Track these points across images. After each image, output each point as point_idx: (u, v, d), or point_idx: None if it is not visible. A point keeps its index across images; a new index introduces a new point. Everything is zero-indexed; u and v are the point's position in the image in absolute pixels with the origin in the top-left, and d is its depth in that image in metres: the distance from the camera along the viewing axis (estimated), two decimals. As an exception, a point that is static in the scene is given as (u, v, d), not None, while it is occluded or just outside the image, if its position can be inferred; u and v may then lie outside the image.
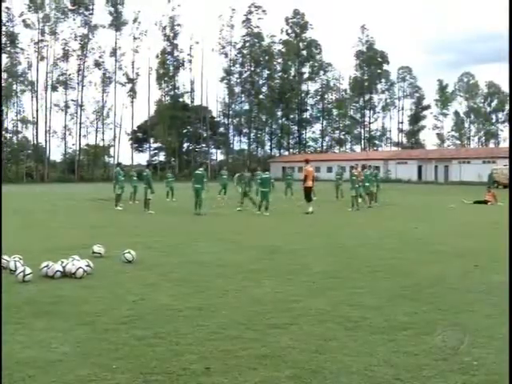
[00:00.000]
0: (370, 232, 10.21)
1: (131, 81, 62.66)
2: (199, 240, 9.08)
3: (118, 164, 18.39)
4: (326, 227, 11.37)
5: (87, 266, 5.87)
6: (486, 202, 18.20)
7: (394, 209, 16.64)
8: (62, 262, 5.82)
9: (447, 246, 8.26)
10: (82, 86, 59.51)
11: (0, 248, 6.13)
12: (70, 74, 59.00)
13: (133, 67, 62.57)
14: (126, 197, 17.32)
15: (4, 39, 52.57)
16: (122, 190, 16.24)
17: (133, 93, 63.15)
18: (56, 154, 60.80)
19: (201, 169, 15.12)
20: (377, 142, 77.84)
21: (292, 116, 77.84)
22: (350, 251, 7.77)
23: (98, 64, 60.27)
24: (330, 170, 59.12)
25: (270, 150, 78.32)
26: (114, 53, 61.13)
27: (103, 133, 62.46)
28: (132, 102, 63.73)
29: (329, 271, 6.12)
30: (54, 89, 57.84)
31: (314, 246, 8.27)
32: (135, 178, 19.02)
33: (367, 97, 75.75)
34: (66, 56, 58.18)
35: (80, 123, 59.85)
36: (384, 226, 11.38)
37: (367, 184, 16.61)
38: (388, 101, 75.88)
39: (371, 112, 76.54)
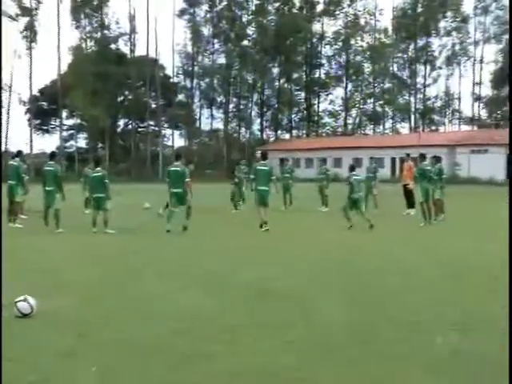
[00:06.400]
0: (408, 258, 10.57)
1: (28, 12, 62.50)
2: (148, 274, 9.26)
3: (18, 153, 18.43)
4: (342, 251, 11.74)
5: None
6: None
7: (453, 223, 17.03)
8: None
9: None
10: None
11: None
12: None
13: (31, -9, 62.64)
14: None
15: None
16: (20, 194, 16.77)
17: (31, 33, 63.09)
18: None
19: (177, 163, 16.14)
20: (437, 117, 78.54)
21: (296, 75, 78.38)
22: (375, 288, 8.00)
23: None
24: (357, 163, 59.18)
25: (261, 131, 78.87)
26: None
27: (-19, 101, 62.39)
28: (30, 48, 63.79)
29: (343, 321, 6.32)
30: None
31: (321, 280, 8.56)
32: (27, 177, 19.09)
33: (421, 42, 76.32)
34: None
35: None
36: (434, 250, 11.76)
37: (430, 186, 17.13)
38: (457, 48, 76.36)
39: (428, 67, 77.16)
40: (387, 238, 14.43)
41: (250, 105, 77.38)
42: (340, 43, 78.06)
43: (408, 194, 20.22)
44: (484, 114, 78.43)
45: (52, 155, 17.78)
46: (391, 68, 78.02)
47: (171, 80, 74.98)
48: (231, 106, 76.29)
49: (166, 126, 75.70)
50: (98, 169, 16.31)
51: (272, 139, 78.85)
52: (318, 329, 6.24)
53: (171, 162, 17.85)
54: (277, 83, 77.66)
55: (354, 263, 10.45)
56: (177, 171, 15.69)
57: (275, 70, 77.23)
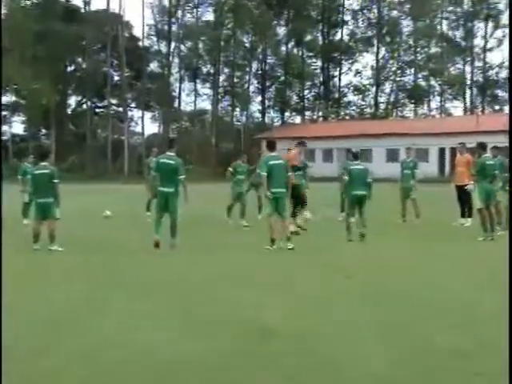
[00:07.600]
0: (473, 290, 10.42)
1: None
2: (111, 307, 9.37)
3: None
4: (378, 278, 11.75)
5: None
6: None
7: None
8: None
9: None
10: None
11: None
12: None
13: None
14: None
15: None
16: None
17: None
18: None
19: (171, 153, 15.96)
20: (501, 93, 78.55)
21: (309, 37, 78.58)
22: (426, 334, 7.86)
23: None
24: (392, 155, 59.73)
25: (262, 113, 79.12)
26: None
27: None
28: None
29: (383, 380, 6.25)
30: None
31: (348, 321, 8.53)
32: None
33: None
34: None
35: None
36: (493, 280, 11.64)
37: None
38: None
39: (489, 26, 77.16)
40: (433, 258, 14.39)
41: (248, 77, 77.71)
42: (368, -6, 78.60)
43: (465, 198, 20.11)
44: None
45: None
46: (439, 26, 78.15)
47: (140, 43, 75.19)
48: (222, 78, 76.59)
49: (133, 105, 76.16)
50: (44, 164, 15.95)
51: (277, 124, 79.00)
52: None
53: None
54: (283, 48, 77.86)
55: (388, 294, 10.39)
56: (169, 164, 15.61)
57: (281, 30, 77.67)
